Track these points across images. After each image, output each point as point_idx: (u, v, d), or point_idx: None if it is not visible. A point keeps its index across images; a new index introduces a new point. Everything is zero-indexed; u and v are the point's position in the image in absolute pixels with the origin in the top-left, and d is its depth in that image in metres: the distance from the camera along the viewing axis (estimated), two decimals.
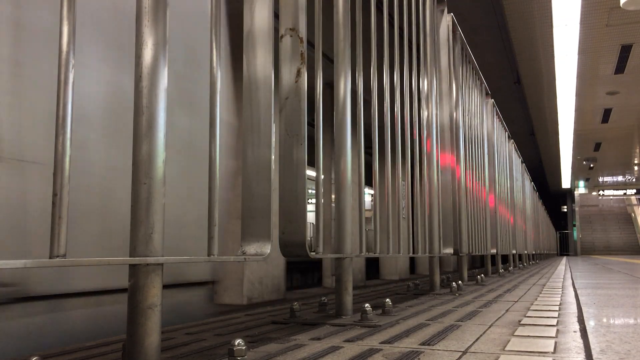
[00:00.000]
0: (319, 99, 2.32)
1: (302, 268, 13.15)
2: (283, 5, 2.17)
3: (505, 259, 8.64)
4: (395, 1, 3.39)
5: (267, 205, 1.96)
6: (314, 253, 2.20)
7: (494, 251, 6.61)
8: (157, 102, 1.47)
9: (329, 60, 2.53)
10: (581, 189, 34.09)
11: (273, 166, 2.02)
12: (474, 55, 5.90)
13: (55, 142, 1.25)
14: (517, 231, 9.40)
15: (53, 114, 1.26)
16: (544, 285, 4.74)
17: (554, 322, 2.27)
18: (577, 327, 2.13)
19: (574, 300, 3.23)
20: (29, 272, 1.94)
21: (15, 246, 1.91)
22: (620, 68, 11.14)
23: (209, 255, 1.66)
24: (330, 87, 2.60)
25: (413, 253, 3.57)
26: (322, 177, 2.34)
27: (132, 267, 1.40)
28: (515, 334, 1.97)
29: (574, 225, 34.59)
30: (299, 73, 2.12)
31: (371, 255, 2.90)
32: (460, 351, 1.66)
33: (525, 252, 10.85)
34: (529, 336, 1.91)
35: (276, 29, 2.12)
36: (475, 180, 5.62)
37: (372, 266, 11.44)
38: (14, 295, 1.93)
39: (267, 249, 1.92)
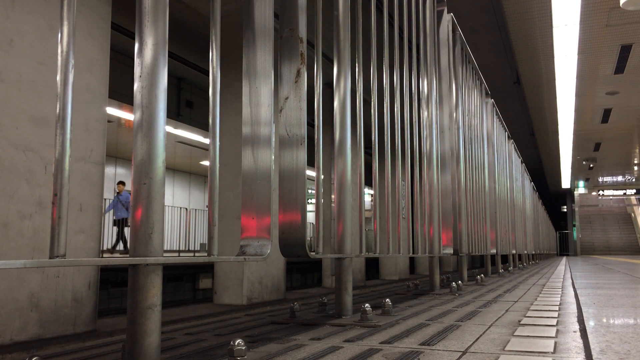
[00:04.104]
0: (319, 99, 2.32)
1: (302, 268, 13.15)
2: (283, 6, 2.17)
3: (505, 259, 8.63)
4: (395, 1, 3.39)
5: (267, 205, 1.96)
6: (314, 253, 2.20)
7: (493, 251, 6.61)
8: (157, 101, 1.47)
9: (329, 60, 2.53)
10: (581, 189, 34.06)
11: (273, 166, 2.02)
12: (474, 55, 5.90)
13: (55, 142, 1.25)
14: (517, 232, 9.39)
15: None
16: (544, 285, 4.74)
17: (554, 322, 2.27)
18: (577, 327, 2.12)
19: (573, 300, 3.23)
20: None
21: None
22: (620, 68, 11.12)
23: (209, 255, 1.66)
24: (330, 87, 2.60)
25: (413, 253, 3.57)
26: (322, 177, 2.34)
27: (132, 267, 1.40)
28: (515, 334, 1.97)
29: (574, 226, 34.56)
30: (298, 73, 2.12)
31: (371, 255, 2.90)
32: (460, 351, 1.66)
33: (525, 252, 10.85)
34: (528, 336, 1.91)
35: (276, 29, 2.12)
36: (475, 180, 5.62)
37: (372, 266, 11.44)
38: None
39: (267, 249, 1.92)
